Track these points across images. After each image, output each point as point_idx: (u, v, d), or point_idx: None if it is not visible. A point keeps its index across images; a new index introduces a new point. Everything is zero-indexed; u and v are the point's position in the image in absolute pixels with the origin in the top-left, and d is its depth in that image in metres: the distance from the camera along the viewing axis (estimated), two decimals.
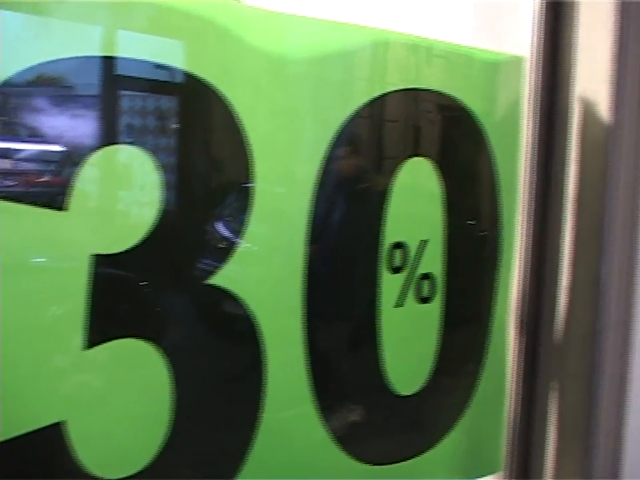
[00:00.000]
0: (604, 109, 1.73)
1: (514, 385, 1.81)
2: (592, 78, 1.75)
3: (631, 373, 1.86)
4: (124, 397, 1.28)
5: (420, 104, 1.58)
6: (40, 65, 1.16)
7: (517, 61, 1.70)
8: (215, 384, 1.38)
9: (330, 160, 1.43)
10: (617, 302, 1.78)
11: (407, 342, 1.59)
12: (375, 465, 1.58)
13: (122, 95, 1.25)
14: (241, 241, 1.35)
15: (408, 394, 1.59)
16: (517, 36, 1.84)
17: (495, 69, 1.67)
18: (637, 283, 1.83)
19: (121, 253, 1.24)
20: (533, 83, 1.76)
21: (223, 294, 1.34)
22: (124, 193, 1.27)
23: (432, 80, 1.57)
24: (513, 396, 1.82)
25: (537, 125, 1.75)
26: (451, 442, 1.69)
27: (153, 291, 1.30)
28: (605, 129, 1.72)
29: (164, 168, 1.27)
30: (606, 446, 1.82)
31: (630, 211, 1.79)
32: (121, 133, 1.25)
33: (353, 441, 1.53)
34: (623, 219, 1.77)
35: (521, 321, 1.78)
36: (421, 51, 1.57)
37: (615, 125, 1.73)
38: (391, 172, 1.52)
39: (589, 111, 1.73)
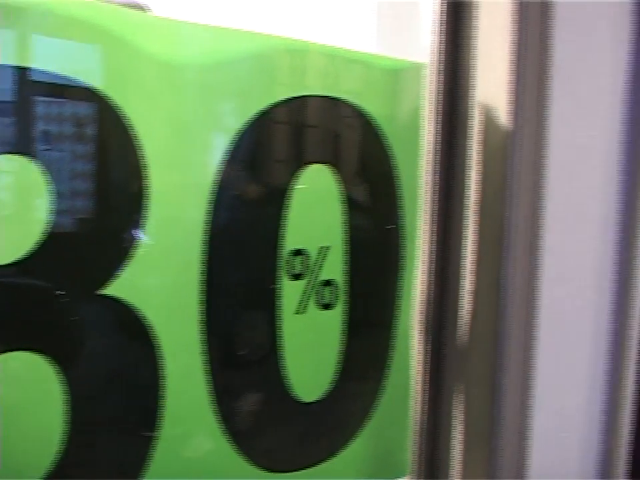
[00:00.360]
0: (504, 113, 1.75)
1: (419, 389, 1.82)
2: (492, 83, 1.77)
3: (535, 374, 1.89)
4: (16, 410, 1.26)
5: (319, 111, 1.59)
6: None
7: (416, 68, 1.71)
8: (111, 396, 1.36)
9: (227, 167, 1.43)
10: (519, 304, 1.80)
11: (309, 349, 1.59)
12: (279, 472, 1.57)
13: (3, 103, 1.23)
14: (136, 251, 1.33)
15: (311, 401, 1.59)
16: (422, 42, 1.85)
17: (395, 76, 1.68)
18: (539, 285, 1.86)
19: (9, 264, 1.22)
20: (433, 88, 1.78)
21: (118, 304, 1.33)
22: (10, 203, 1.24)
23: (331, 87, 1.58)
24: (419, 399, 1.82)
25: (438, 131, 1.76)
26: (357, 448, 1.69)
27: (45, 303, 1.28)
28: (505, 133, 1.74)
29: (53, 177, 1.25)
30: (511, 446, 1.83)
31: (531, 214, 1.81)
32: (5, 142, 1.22)
33: (256, 450, 1.53)
34: (524, 222, 1.79)
35: (426, 325, 1.79)
36: (321, 57, 1.58)
37: (514, 129, 1.74)
38: (290, 179, 1.52)
39: (489, 116, 1.75)
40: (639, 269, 2.35)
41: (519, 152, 1.82)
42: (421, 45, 1.86)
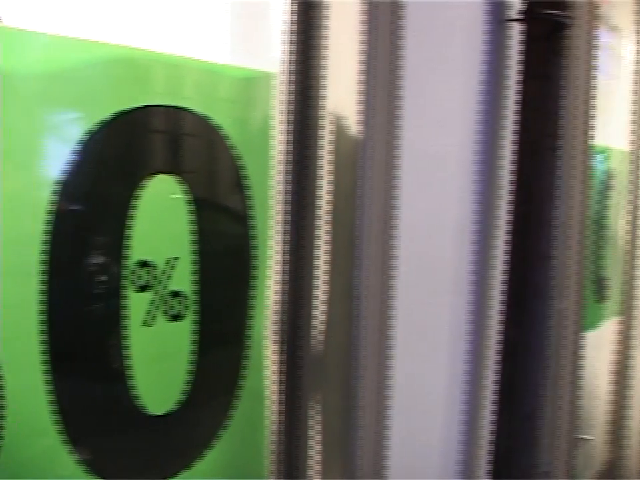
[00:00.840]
0: (354, 122, 1.77)
1: (276, 397, 1.82)
2: (342, 91, 1.79)
3: (391, 378, 1.92)
4: None
5: (164, 120, 1.57)
6: None
7: (267, 76, 1.71)
8: None
9: (67, 178, 1.39)
10: (373, 310, 1.82)
11: (158, 361, 1.57)
12: None
13: None
14: None
15: (161, 413, 1.57)
16: (274, 51, 1.85)
17: (245, 85, 1.68)
18: (394, 291, 1.88)
19: None
20: (284, 97, 1.78)
21: None
22: None
23: (177, 96, 1.56)
24: (276, 408, 1.82)
25: (289, 139, 1.77)
26: (212, 460, 1.68)
27: None
28: (355, 141, 1.76)
29: None
30: (369, 450, 1.86)
31: (383, 220, 1.84)
32: None
33: (106, 467, 1.49)
34: (377, 228, 1.82)
35: (280, 334, 1.79)
36: (166, 67, 1.56)
37: (365, 137, 1.77)
38: (134, 189, 1.50)
39: (339, 124, 1.77)
40: (496, 271, 2.42)
41: (370, 159, 1.85)
42: (273, 55, 1.86)
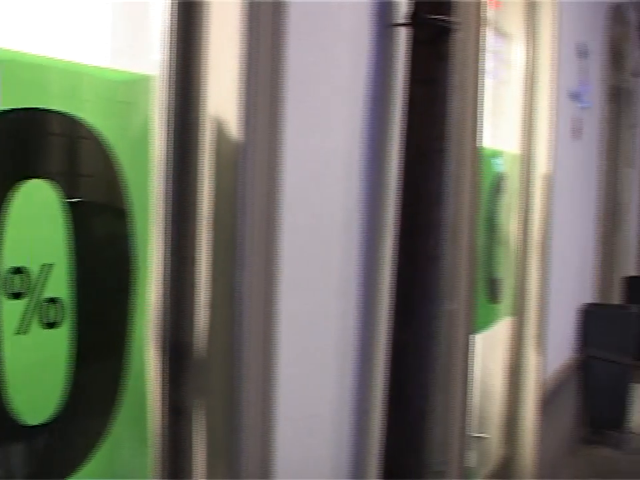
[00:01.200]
0: (235, 125, 1.76)
1: (159, 404, 1.79)
2: (224, 94, 1.78)
3: (276, 382, 1.91)
4: None
5: (38, 125, 1.53)
6: None
7: (145, 79, 1.69)
8: None
9: None
10: (257, 313, 1.82)
11: (34, 370, 1.53)
12: None
13: None
14: None
15: (37, 423, 1.53)
16: (155, 53, 1.82)
17: (123, 88, 1.65)
18: (276, 296, 1.88)
19: None
20: (164, 100, 1.76)
21: None
22: None
23: (51, 100, 1.53)
24: (159, 414, 1.80)
25: (170, 143, 1.75)
26: (92, 469, 1.65)
27: None
28: (236, 145, 1.75)
29: None
30: (255, 454, 1.85)
31: (266, 224, 1.83)
32: None
33: None
34: (259, 231, 1.81)
35: (163, 339, 1.77)
36: (38, 69, 1.52)
37: (246, 140, 1.76)
38: (5, 195, 1.46)
39: (220, 128, 1.76)
40: (385, 273, 2.44)
41: (252, 161, 1.84)
42: (154, 57, 1.84)
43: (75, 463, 1.63)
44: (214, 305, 1.76)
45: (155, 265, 1.73)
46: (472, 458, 3.66)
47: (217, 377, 1.78)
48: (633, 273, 8.29)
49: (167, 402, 1.78)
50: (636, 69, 7.90)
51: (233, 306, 1.76)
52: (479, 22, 2.98)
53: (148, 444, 1.77)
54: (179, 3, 1.76)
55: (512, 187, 4.13)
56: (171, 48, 1.76)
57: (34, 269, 1.51)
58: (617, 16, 6.60)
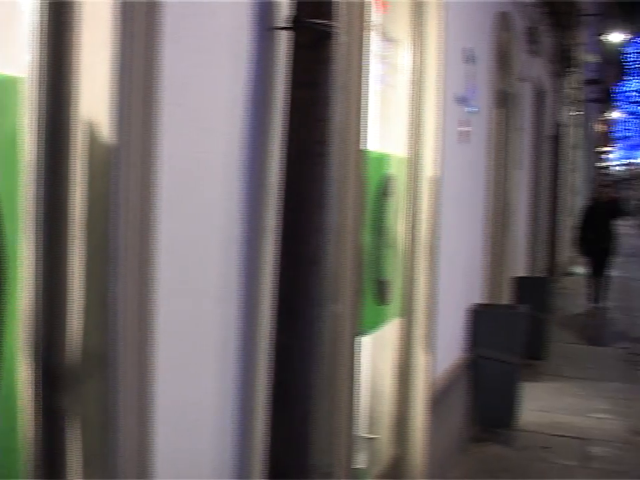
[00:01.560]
0: (108, 128, 1.73)
1: (31, 414, 1.75)
2: (96, 96, 1.75)
3: (154, 389, 1.89)
4: None
5: None
6: None
7: (13, 81, 1.65)
8: None
9: None
10: (132, 320, 1.79)
11: None
12: None
13: None
14: None
15: None
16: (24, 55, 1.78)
17: None
18: (152, 302, 1.86)
19: None
20: (35, 102, 1.72)
21: None
22: None
23: None
24: (32, 425, 1.75)
25: (40, 148, 1.71)
26: None
27: None
28: (109, 149, 1.72)
29: None
30: (132, 461, 1.83)
31: (140, 229, 1.81)
32: None
33: None
34: (134, 237, 1.79)
35: (35, 346, 1.72)
36: None
37: (119, 145, 1.73)
38: None
39: (93, 130, 1.73)
40: (266, 278, 2.43)
41: (125, 165, 1.82)
42: (23, 58, 1.79)
43: None
44: (89, 313, 1.73)
45: (26, 269, 1.69)
46: (361, 458, 3.69)
47: (92, 381, 1.75)
48: (521, 274, 8.49)
49: (40, 404, 1.74)
50: (522, 73, 8.10)
51: (106, 310, 1.73)
52: (362, 26, 3.00)
53: (20, 451, 1.73)
54: (49, 3, 1.72)
55: (400, 190, 4.17)
56: (40, 49, 1.72)
57: None
58: (503, 22, 6.75)
